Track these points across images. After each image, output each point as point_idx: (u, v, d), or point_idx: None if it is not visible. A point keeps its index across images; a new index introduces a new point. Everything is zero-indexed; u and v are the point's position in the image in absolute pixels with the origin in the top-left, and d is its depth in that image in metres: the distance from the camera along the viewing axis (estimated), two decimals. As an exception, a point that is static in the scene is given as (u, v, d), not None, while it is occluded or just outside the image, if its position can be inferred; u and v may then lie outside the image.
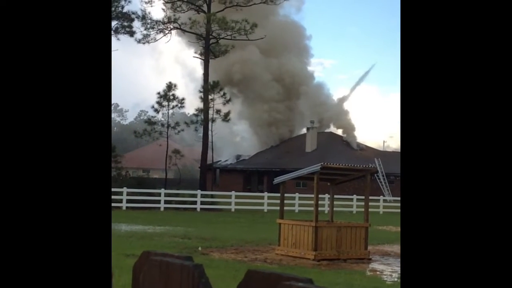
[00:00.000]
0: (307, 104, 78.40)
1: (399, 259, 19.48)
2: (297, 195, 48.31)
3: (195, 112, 54.44)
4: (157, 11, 71.37)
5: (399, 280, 15.27)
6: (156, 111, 54.82)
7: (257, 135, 79.67)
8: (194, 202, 45.15)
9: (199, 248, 20.16)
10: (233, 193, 47.86)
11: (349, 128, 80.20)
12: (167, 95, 53.70)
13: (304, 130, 79.34)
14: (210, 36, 53.70)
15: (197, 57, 56.88)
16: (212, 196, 48.92)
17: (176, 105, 53.92)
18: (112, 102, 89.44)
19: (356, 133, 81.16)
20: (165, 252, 1.74)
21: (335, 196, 23.04)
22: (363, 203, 20.56)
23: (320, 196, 20.07)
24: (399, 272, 16.67)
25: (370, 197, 20.63)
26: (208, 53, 53.98)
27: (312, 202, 19.33)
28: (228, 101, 53.97)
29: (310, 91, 79.02)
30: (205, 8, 54.44)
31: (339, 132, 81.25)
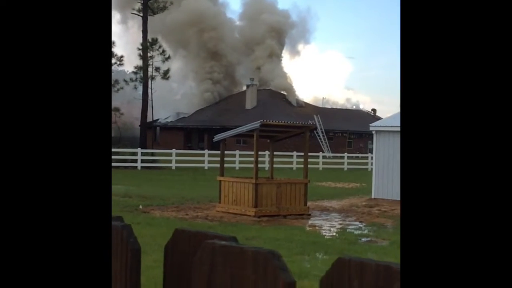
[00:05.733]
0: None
1: (338, 214, 19.92)
2: (237, 152, 48.52)
3: (134, 70, 53.79)
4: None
5: (337, 235, 15.57)
6: (95, 69, 53.96)
7: (198, 92, 79.58)
8: (135, 160, 44.79)
9: (140, 207, 20.15)
10: (173, 151, 47.37)
11: (287, 87, 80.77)
12: (105, 52, 52.86)
13: (244, 88, 79.46)
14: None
15: (135, 14, 55.87)
16: (152, 154, 48.50)
17: (115, 63, 53.15)
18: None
19: (295, 90, 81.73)
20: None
21: (275, 153, 23.23)
22: (302, 160, 20.76)
23: (260, 153, 20.11)
24: (337, 227, 17.06)
25: (310, 154, 20.92)
26: (147, 10, 53.18)
27: (253, 159, 19.43)
28: (167, 59, 53.44)
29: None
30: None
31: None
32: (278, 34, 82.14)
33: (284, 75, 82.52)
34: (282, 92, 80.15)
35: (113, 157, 44.46)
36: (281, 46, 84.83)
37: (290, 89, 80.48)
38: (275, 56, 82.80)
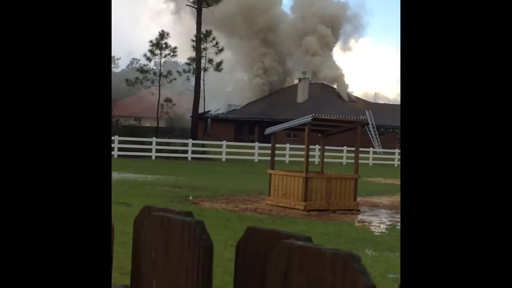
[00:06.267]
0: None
1: (387, 211, 19.78)
2: (287, 145, 48.56)
3: (187, 61, 54.20)
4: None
5: (387, 231, 15.47)
6: (149, 59, 54.67)
7: (249, 84, 79.81)
8: (185, 151, 44.96)
9: (190, 197, 20.31)
10: (224, 142, 47.50)
11: (338, 78, 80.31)
12: (159, 43, 53.42)
13: (296, 81, 79.36)
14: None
15: (190, 6, 56.29)
16: (203, 145, 48.60)
17: (169, 54, 53.89)
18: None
19: (347, 84, 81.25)
20: (166, 207, 1.77)
21: (326, 147, 23.11)
22: (353, 155, 20.68)
23: (310, 147, 20.03)
24: (387, 223, 16.93)
25: (360, 149, 20.79)
26: (201, 1, 53.52)
27: (303, 153, 19.41)
28: (220, 51, 53.77)
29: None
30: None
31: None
32: (332, 25, 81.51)
33: (335, 67, 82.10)
34: (333, 86, 79.80)
35: (164, 147, 45.01)
36: (334, 38, 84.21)
37: (341, 82, 79.98)
38: (327, 47, 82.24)
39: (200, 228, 1.47)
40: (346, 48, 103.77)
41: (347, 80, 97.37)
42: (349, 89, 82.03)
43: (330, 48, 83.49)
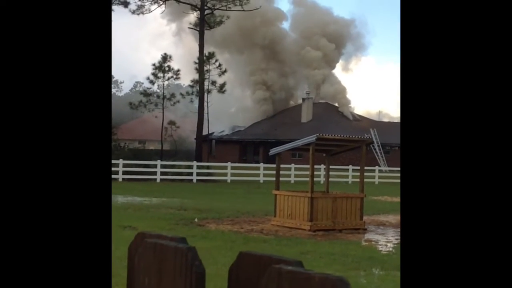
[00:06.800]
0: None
1: (394, 229, 19.58)
2: (292, 165, 48.58)
3: (191, 83, 54.38)
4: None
5: (394, 250, 15.36)
6: (152, 82, 54.87)
7: (252, 104, 79.80)
8: (190, 173, 45.10)
9: (196, 220, 20.26)
10: (229, 164, 47.70)
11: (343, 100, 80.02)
12: (162, 66, 53.65)
13: (300, 101, 79.34)
14: (205, 7, 53.46)
15: (192, 28, 56.54)
16: (208, 167, 48.70)
17: (172, 77, 54.12)
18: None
19: (351, 103, 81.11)
20: (160, 234, 1.77)
21: (331, 167, 23.01)
22: (358, 174, 20.60)
23: (315, 166, 20.03)
24: (394, 242, 16.74)
25: (366, 168, 20.68)
26: (203, 24, 53.74)
27: (308, 173, 19.34)
28: (223, 72, 53.95)
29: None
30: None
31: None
32: (336, 42, 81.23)
33: (337, 82, 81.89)
34: (335, 104, 79.67)
35: (168, 170, 45.00)
36: (338, 55, 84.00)
37: (343, 97, 79.73)
38: (329, 63, 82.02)
39: (192, 255, 1.46)
40: (347, 68, 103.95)
41: (350, 98, 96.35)
42: (352, 108, 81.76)
43: (332, 65, 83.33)
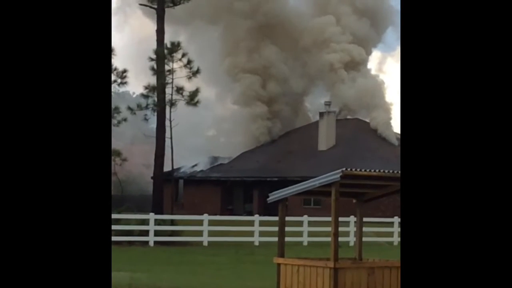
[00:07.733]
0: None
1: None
2: (305, 218, 38.84)
3: (144, 92, 40.84)
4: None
5: None
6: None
7: (243, 121, 62.40)
8: (145, 232, 36.64)
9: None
10: (205, 217, 37.84)
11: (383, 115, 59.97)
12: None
13: (316, 117, 61.31)
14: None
15: (145, 5, 42.97)
16: (172, 222, 38.48)
17: (115, 81, 40.48)
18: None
19: (393, 122, 60.99)
20: None
21: (365, 220, 18.17)
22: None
23: (342, 219, 17.53)
24: None
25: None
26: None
27: (329, 228, 15.44)
28: (195, 73, 40.21)
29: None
30: None
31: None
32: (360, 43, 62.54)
33: (372, 77, 63.44)
34: (367, 120, 60.66)
35: (113, 227, 33.36)
36: (366, 55, 65.12)
37: (385, 111, 60.01)
38: (357, 65, 62.50)
39: None
40: (380, 69, 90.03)
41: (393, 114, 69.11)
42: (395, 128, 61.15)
43: (359, 66, 62.80)
